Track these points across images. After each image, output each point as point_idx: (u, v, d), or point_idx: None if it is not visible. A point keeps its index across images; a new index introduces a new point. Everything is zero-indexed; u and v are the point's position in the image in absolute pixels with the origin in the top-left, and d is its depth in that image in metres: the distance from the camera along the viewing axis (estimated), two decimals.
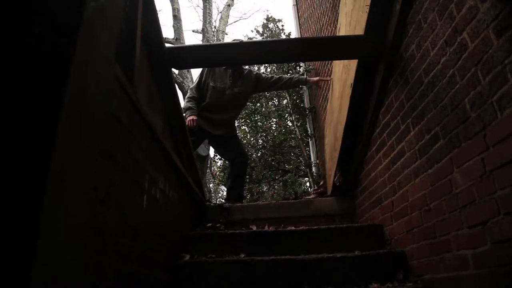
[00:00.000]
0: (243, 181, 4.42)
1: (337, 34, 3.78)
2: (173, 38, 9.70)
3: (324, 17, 5.60)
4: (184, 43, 9.65)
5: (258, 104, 8.64)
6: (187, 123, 3.77)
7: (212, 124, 4.13)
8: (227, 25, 11.84)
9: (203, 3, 10.93)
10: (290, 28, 14.29)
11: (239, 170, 4.27)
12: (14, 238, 0.62)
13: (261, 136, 8.83)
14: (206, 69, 4.11)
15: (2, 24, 0.77)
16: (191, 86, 4.18)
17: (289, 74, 7.18)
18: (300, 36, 7.77)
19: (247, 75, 4.28)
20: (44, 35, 0.78)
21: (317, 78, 4.54)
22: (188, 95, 4.13)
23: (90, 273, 1.06)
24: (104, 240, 1.25)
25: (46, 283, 0.65)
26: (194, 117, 3.95)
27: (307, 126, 7.36)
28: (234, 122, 4.59)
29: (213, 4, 10.86)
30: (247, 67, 4.51)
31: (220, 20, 11.77)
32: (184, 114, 3.92)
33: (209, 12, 10.68)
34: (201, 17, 10.95)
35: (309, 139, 7.25)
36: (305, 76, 4.63)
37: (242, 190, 4.34)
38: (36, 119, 0.70)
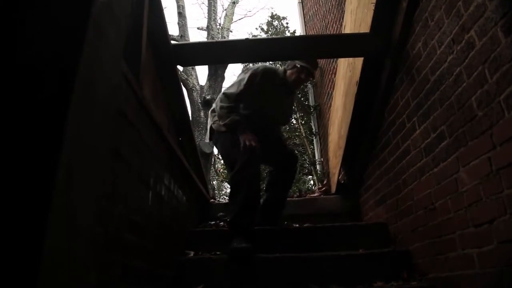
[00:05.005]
0: (286, 197, 3.08)
1: (343, 32, 3.78)
2: (178, 35, 9.70)
3: (330, 15, 5.58)
4: (189, 40, 9.64)
5: None
6: (245, 144, 2.59)
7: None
8: (231, 23, 11.83)
9: (208, 0, 10.91)
10: (295, 26, 14.27)
11: (286, 180, 3.03)
12: (24, 233, 0.62)
13: None
14: (259, 74, 2.85)
15: (8, 20, 0.77)
16: (229, 92, 2.86)
17: None
18: (305, 34, 7.75)
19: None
20: (52, 31, 0.78)
21: None
22: (225, 103, 2.81)
23: (97, 268, 1.07)
24: (110, 236, 1.25)
25: (54, 277, 0.65)
26: (254, 136, 2.65)
27: (312, 124, 7.36)
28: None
29: (218, 1, 10.84)
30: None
31: (225, 18, 11.76)
32: (221, 124, 2.80)
33: (214, 10, 10.66)
34: (206, 15, 10.94)
35: (314, 137, 7.25)
36: None
37: (282, 207, 3.04)
38: (45, 115, 0.70)
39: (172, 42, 2.70)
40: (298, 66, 2.89)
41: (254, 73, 2.85)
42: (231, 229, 2.47)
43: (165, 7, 2.45)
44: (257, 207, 2.61)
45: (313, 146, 7.43)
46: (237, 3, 12.21)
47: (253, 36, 12.41)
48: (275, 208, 2.97)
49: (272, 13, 12.38)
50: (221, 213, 3.40)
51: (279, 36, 10.91)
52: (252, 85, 2.83)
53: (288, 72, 2.96)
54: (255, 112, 2.91)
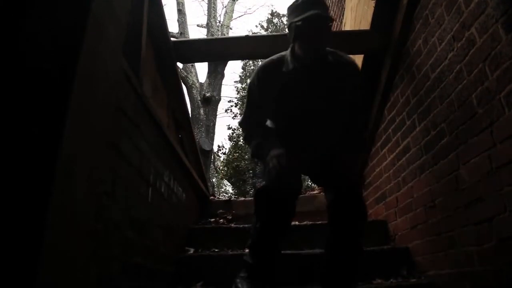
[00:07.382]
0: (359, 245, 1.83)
1: (343, 29, 3.77)
2: (178, 33, 9.67)
3: (330, 12, 5.57)
4: (188, 37, 9.62)
5: None
6: (271, 164, 1.79)
7: None
8: (231, 20, 11.81)
9: None
10: None
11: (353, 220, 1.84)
12: (24, 228, 0.62)
13: None
14: (255, 79, 1.97)
15: (8, 15, 0.77)
16: (240, 120, 2.13)
17: None
18: None
19: None
20: (52, 26, 0.78)
21: None
22: (242, 134, 2.24)
23: (96, 264, 1.07)
24: (110, 232, 1.25)
25: (54, 274, 0.65)
26: (282, 152, 1.83)
27: None
28: None
29: None
30: None
31: (224, 15, 11.73)
32: None
33: (213, 7, 10.64)
34: (206, 12, 10.91)
35: None
36: None
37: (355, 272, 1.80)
38: (45, 112, 0.70)
39: (172, 39, 2.69)
40: (299, 24, 1.72)
41: (251, 83, 2.00)
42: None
43: (165, 4, 2.45)
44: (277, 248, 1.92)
45: None
46: (237, 1, 12.19)
47: (253, 33, 12.40)
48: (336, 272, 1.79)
49: (272, 10, 12.38)
50: (220, 210, 3.40)
51: (279, 33, 10.89)
52: (259, 96, 1.95)
53: (296, 46, 1.83)
54: (288, 124, 1.97)
